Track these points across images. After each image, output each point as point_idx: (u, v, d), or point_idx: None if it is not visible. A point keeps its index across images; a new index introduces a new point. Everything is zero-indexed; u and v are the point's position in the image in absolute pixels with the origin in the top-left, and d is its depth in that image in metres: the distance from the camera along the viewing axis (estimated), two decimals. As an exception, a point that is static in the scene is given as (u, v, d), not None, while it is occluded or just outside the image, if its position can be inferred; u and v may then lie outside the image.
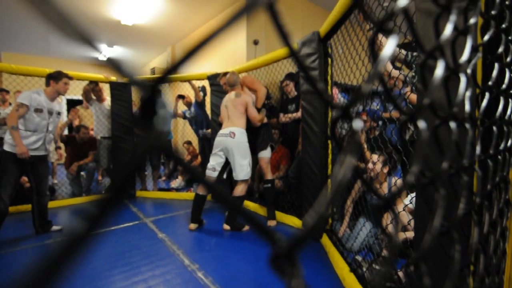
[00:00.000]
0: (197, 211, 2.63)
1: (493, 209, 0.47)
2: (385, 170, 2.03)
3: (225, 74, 3.04)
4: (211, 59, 4.92)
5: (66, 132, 4.38)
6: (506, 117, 0.52)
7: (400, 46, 1.85)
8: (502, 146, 0.51)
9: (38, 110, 2.39)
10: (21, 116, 2.32)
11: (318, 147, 2.33)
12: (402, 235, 1.65)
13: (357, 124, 0.16)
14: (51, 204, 2.88)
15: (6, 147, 2.32)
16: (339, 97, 2.64)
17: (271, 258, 0.13)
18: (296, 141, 3.23)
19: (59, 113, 2.58)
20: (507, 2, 0.52)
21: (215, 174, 2.62)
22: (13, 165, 2.32)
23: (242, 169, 2.49)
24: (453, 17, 0.28)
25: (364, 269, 1.64)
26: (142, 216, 3.10)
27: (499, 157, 0.50)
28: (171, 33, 5.69)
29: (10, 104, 3.92)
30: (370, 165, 2.07)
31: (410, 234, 1.70)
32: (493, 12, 0.47)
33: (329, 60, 2.33)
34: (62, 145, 3.74)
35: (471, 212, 0.37)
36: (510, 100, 0.53)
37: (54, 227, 2.61)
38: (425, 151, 0.22)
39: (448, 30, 0.27)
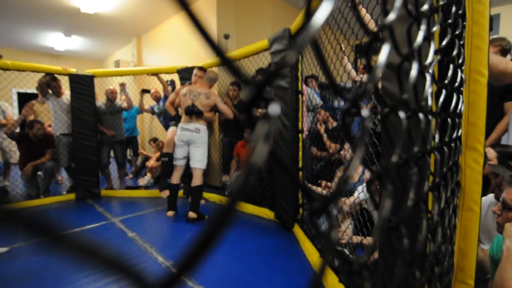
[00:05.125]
0: (174, 199, 2.92)
1: (448, 189, 0.55)
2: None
3: (201, 68, 3.06)
4: (180, 53, 4.80)
5: (18, 129, 4.00)
6: (458, 110, 0.62)
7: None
8: (454, 135, 0.60)
9: None
10: None
11: (290, 141, 2.41)
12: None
13: (365, 112, 0.21)
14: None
15: None
16: (308, 92, 2.74)
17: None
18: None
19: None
20: (460, 12, 0.61)
21: (183, 163, 2.87)
22: None
23: (202, 159, 2.82)
24: (423, 27, 0.34)
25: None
26: (109, 216, 2.97)
27: (452, 144, 0.59)
28: (137, 24, 5.42)
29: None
30: (342, 152, 2.24)
31: (356, 239, 1.85)
32: (449, 21, 0.55)
33: (299, 57, 2.41)
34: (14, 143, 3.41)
35: (432, 190, 0.44)
36: (461, 96, 0.62)
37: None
38: (404, 137, 0.28)
39: (420, 37, 0.33)
